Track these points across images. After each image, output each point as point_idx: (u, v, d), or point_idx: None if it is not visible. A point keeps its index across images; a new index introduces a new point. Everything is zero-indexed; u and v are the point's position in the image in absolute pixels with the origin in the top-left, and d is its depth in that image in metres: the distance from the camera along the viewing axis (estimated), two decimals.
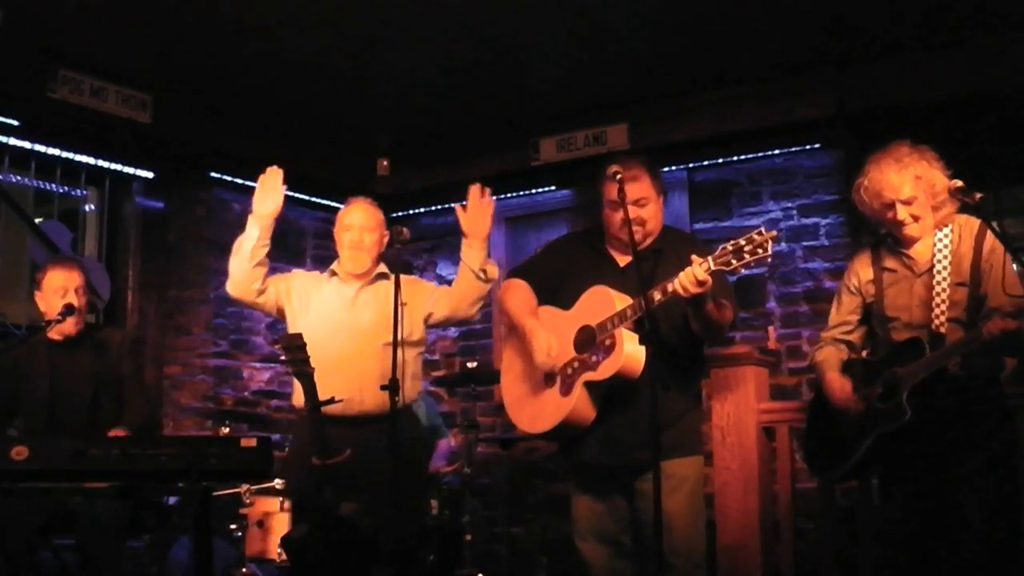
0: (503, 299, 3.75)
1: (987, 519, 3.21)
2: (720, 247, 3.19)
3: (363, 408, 3.85)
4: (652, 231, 3.53)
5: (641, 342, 3.25)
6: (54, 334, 4.35)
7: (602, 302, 3.43)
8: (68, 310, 4.26)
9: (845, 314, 3.59)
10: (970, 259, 3.32)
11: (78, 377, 4.36)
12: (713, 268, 3.15)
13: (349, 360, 3.90)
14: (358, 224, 4.09)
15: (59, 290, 4.33)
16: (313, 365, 3.70)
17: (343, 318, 4.04)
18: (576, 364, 3.46)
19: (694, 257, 3.18)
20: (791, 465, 4.66)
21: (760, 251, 3.10)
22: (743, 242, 3.12)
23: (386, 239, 4.13)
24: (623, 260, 3.56)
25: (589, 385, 3.42)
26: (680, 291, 3.18)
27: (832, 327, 3.62)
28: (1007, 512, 3.27)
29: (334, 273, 4.16)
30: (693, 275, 3.15)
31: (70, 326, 4.34)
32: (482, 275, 3.97)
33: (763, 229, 3.13)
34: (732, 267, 3.14)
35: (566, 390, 3.47)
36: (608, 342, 3.37)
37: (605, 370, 3.37)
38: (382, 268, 4.15)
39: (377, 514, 3.68)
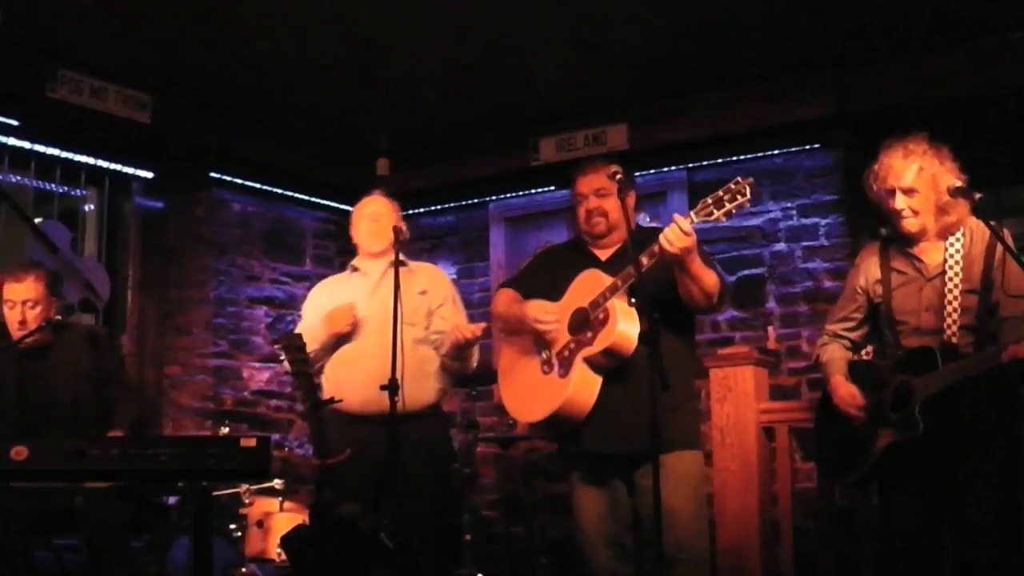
0: (494, 309, 3.82)
1: (992, 520, 3.21)
2: (700, 201, 3.25)
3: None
4: (614, 223, 3.58)
5: (641, 342, 3.25)
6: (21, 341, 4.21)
7: (593, 283, 3.47)
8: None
9: (848, 311, 3.58)
10: (981, 264, 3.30)
11: (52, 384, 4.27)
12: (696, 221, 3.21)
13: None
14: (373, 210, 4.34)
15: (8, 303, 4.21)
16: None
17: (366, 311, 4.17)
18: (572, 345, 3.48)
19: (676, 215, 3.25)
20: (791, 465, 4.67)
21: (739, 197, 3.17)
22: (722, 192, 3.20)
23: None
24: (604, 255, 3.63)
25: (588, 362, 3.43)
26: (667, 246, 3.21)
27: (835, 321, 3.62)
28: (1011, 513, 3.26)
29: (355, 268, 4.31)
30: (678, 226, 3.20)
31: (26, 336, 4.18)
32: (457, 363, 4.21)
33: (740, 178, 3.20)
34: (714, 217, 3.21)
35: (565, 371, 3.48)
36: (602, 316, 3.40)
37: (600, 342, 3.38)
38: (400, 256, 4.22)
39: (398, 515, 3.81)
